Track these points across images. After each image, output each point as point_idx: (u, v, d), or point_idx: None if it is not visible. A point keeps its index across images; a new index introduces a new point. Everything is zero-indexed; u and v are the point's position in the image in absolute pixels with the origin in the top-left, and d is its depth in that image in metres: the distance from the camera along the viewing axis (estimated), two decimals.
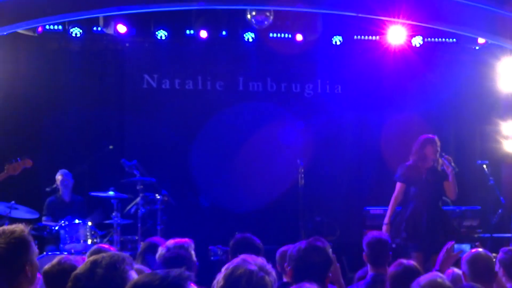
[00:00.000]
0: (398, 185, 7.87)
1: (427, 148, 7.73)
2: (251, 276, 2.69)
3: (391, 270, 4.48)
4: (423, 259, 7.39)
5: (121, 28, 9.82)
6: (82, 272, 2.74)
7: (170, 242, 4.60)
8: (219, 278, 2.74)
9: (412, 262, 4.56)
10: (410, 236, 7.65)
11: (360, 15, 9.23)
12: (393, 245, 7.53)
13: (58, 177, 9.14)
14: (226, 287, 2.69)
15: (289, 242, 5.45)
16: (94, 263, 2.74)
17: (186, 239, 4.68)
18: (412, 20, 8.49)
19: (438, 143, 7.78)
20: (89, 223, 8.43)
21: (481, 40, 10.42)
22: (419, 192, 7.73)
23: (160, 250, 4.56)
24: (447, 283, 3.53)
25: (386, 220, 7.85)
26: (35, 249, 3.30)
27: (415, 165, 7.78)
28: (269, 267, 2.79)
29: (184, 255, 4.24)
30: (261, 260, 2.81)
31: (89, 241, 8.28)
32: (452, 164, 7.69)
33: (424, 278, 3.54)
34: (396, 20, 8.47)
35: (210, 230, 9.74)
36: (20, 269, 3.20)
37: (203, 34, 10.19)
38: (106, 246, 5.23)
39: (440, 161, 7.73)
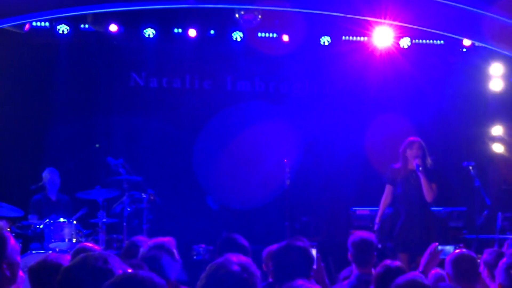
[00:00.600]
0: (386, 187, 7.99)
1: (408, 150, 7.85)
2: (232, 277, 2.66)
3: (376, 270, 4.49)
4: (409, 260, 7.45)
5: (113, 27, 9.79)
6: (71, 266, 2.71)
7: (151, 242, 4.57)
8: (202, 276, 2.72)
9: (398, 263, 4.57)
10: (395, 237, 7.72)
11: (348, 15, 9.26)
12: (379, 246, 7.57)
13: (46, 175, 9.07)
14: (207, 286, 2.67)
15: (276, 242, 5.44)
16: (85, 258, 2.71)
17: (168, 238, 4.66)
18: (399, 21, 8.51)
19: (420, 145, 7.85)
20: (74, 222, 8.38)
21: (467, 43, 10.47)
22: (404, 193, 7.86)
23: (142, 250, 4.54)
24: (426, 283, 3.53)
25: (376, 220, 7.97)
26: (14, 247, 3.16)
27: (401, 167, 7.89)
28: (253, 268, 2.76)
29: (164, 255, 4.21)
30: (246, 260, 2.78)
31: (74, 240, 8.21)
32: (420, 168, 7.75)
33: (402, 278, 3.54)
34: (382, 21, 8.48)
35: (196, 229, 9.72)
36: None
37: (192, 33, 10.16)
38: (90, 245, 5.19)
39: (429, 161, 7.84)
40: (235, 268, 2.70)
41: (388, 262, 4.50)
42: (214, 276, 2.67)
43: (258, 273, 2.77)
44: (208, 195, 8.43)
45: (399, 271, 4.28)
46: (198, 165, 10.47)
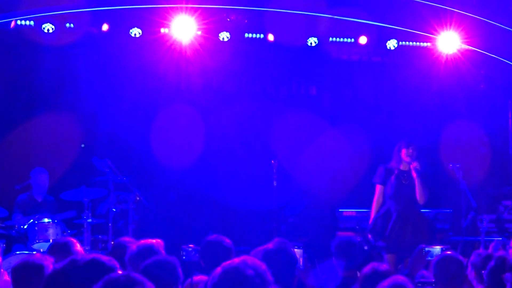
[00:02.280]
0: (376, 187, 7.97)
1: (404, 150, 7.85)
2: (245, 280, 2.61)
3: (362, 272, 4.47)
4: (397, 261, 7.45)
5: (104, 27, 9.75)
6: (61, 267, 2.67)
7: (140, 244, 4.54)
8: (215, 273, 2.66)
9: (384, 265, 4.55)
10: (386, 237, 7.69)
11: (335, 17, 9.30)
12: (366, 247, 7.57)
13: (34, 174, 8.96)
14: (218, 285, 2.62)
15: (262, 243, 5.42)
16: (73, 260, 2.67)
17: (156, 240, 4.62)
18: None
19: (416, 147, 7.87)
20: (58, 222, 8.30)
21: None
22: (394, 194, 7.85)
23: (130, 252, 4.50)
24: (409, 286, 3.52)
25: (370, 221, 7.96)
26: None
27: (392, 168, 7.88)
28: (267, 275, 2.70)
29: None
30: (260, 266, 2.71)
31: None
32: (418, 167, 7.76)
33: (387, 282, 3.52)
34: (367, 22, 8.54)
35: (182, 230, 9.68)
36: None
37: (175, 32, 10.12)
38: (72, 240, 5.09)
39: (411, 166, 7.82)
40: (249, 272, 2.65)
41: (375, 264, 4.48)
42: (226, 277, 2.62)
43: (271, 280, 2.71)
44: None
45: (385, 273, 4.26)
46: (183, 166, 10.42)
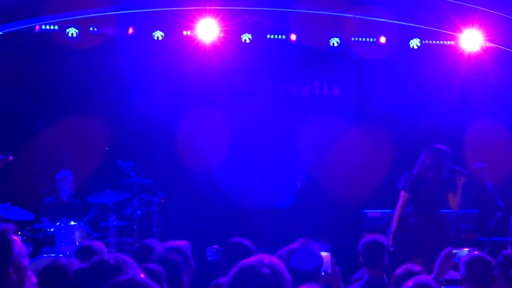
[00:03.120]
0: (404, 194, 7.77)
1: (442, 161, 7.65)
2: (261, 279, 2.60)
3: (395, 273, 4.45)
4: (423, 265, 7.37)
5: (130, 30, 9.82)
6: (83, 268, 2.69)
7: (167, 245, 4.56)
8: (231, 273, 2.66)
9: (417, 266, 4.53)
10: (410, 241, 7.60)
11: (357, 16, 9.25)
12: (391, 249, 7.50)
13: (62, 178, 9.04)
14: (233, 285, 2.61)
15: (287, 245, 5.41)
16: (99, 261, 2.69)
17: (183, 242, 4.64)
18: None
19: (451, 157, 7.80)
20: (84, 225, 8.37)
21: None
22: (425, 202, 7.70)
23: (156, 253, 4.52)
24: (433, 285, 3.49)
25: (393, 228, 7.76)
26: (21, 251, 3.11)
27: (423, 177, 7.72)
28: (284, 272, 2.67)
29: (180, 259, 4.18)
30: (277, 264, 2.69)
31: None
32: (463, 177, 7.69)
33: (412, 281, 3.50)
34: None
35: (207, 231, 9.69)
36: (2, 272, 3.01)
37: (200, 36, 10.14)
38: (97, 244, 5.15)
39: (458, 173, 7.70)
40: (265, 270, 2.62)
41: (408, 265, 4.47)
42: (242, 276, 2.61)
43: (289, 278, 2.69)
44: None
45: (418, 275, 4.23)
46: (208, 168, 10.44)
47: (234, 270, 2.64)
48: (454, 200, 7.75)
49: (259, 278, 2.59)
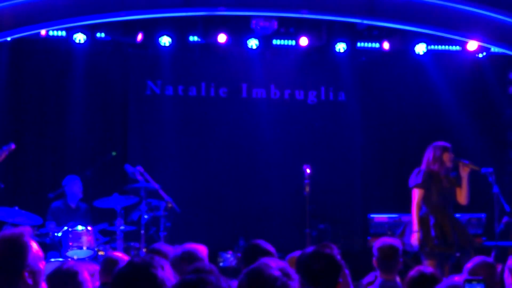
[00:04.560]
0: (418, 191, 7.66)
1: (445, 154, 7.69)
2: (272, 280, 2.62)
3: (409, 275, 4.42)
4: (436, 267, 7.34)
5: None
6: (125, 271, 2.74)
7: (185, 247, 4.58)
8: (241, 281, 2.68)
9: (429, 268, 4.52)
10: (440, 244, 7.54)
11: (364, 22, 9.27)
12: (415, 249, 7.45)
13: (69, 182, 9.06)
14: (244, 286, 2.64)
15: (294, 249, 5.42)
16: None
17: (200, 246, 4.66)
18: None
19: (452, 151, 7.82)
20: (89, 228, 8.37)
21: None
22: (439, 199, 7.67)
23: (174, 255, 4.55)
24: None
25: (414, 227, 7.58)
26: (37, 254, 3.08)
27: (432, 171, 7.73)
28: (292, 272, 2.72)
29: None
30: (284, 265, 2.75)
31: (92, 248, 8.23)
32: (472, 166, 7.70)
33: (442, 283, 3.50)
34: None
35: (214, 236, 9.70)
36: (18, 276, 2.99)
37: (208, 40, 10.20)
38: (120, 254, 5.17)
39: (461, 164, 7.72)
40: (275, 272, 2.65)
41: (421, 267, 4.45)
42: (253, 280, 2.63)
43: (296, 277, 2.74)
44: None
45: (432, 277, 4.23)
46: (215, 172, 10.47)
47: (242, 274, 2.67)
48: (461, 193, 7.72)
49: (271, 279, 2.62)
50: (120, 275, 2.76)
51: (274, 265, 2.73)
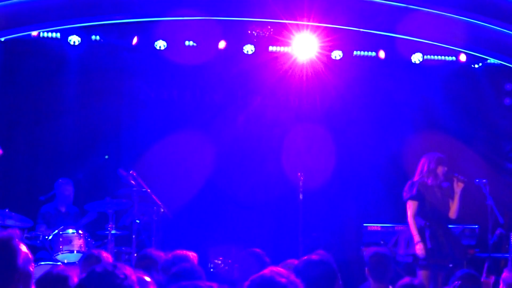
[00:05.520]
0: (412, 204, 7.71)
1: (439, 167, 7.71)
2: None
3: (398, 285, 4.41)
4: (429, 278, 7.33)
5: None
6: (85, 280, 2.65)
7: (176, 254, 4.54)
8: (247, 285, 2.66)
9: (418, 280, 4.50)
10: (435, 255, 7.52)
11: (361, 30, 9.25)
12: (421, 258, 7.45)
13: (60, 186, 9.00)
14: None
15: (286, 257, 5.39)
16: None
17: (191, 252, 4.63)
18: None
19: (447, 164, 7.82)
20: (80, 232, 8.31)
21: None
22: (432, 210, 7.68)
23: (164, 260, 4.51)
24: None
25: (416, 239, 7.57)
26: (26, 258, 3.04)
27: (426, 183, 7.72)
28: (298, 281, 2.71)
29: (192, 269, 4.15)
30: (288, 273, 2.74)
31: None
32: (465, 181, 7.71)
33: None
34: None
35: (206, 242, 9.65)
36: (8, 279, 2.94)
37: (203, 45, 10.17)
38: (104, 254, 5.11)
39: (456, 179, 7.72)
40: (282, 280, 2.64)
41: (410, 278, 4.43)
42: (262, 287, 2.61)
43: (302, 286, 2.73)
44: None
45: None
46: (209, 178, 10.41)
47: (249, 283, 2.65)
48: (452, 207, 7.76)
49: (278, 286, 2.60)
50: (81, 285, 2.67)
51: (280, 272, 2.73)
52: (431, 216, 7.69)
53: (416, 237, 7.55)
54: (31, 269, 3.06)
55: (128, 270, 2.65)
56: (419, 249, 7.45)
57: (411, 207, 7.70)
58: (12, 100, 9.98)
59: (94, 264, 4.40)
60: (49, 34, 9.91)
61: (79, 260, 5.02)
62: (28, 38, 9.63)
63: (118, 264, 2.66)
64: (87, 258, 4.96)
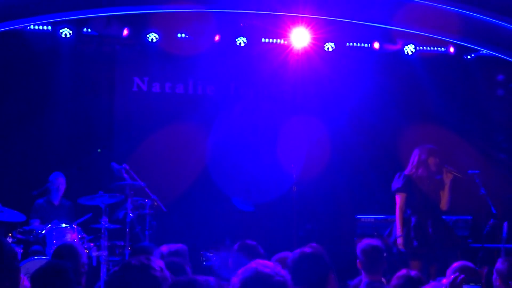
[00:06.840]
0: (400, 195, 7.77)
1: (430, 158, 7.73)
2: (268, 279, 2.62)
3: (395, 277, 4.41)
4: (420, 268, 7.36)
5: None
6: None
7: (168, 248, 4.52)
8: (234, 281, 2.67)
9: (414, 271, 4.50)
10: (420, 245, 7.56)
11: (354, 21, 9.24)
12: (402, 251, 7.48)
13: (52, 179, 8.98)
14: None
15: (282, 249, 5.38)
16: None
17: (180, 245, 4.60)
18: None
19: (439, 155, 7.82)
20: (75, 226, 8.29)
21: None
22: (422, 201, 7.70)
23: (160, 254, 4.50)
24: None
25: (399, 232, 7.66)
26: (11, 254, 3.02)
27: (416, 175, 7.73)
28: (284, 272, 2.76)
29: (180, 262, 4.15)
30: (274, 265, 2.78)
31: None
32: (455, 173, 7.72)
33: None
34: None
35: (199, 235, 9.64)
36: None
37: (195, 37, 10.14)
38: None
39: (445, 169, 7.73)
40: (269, 271, 2.69)
41: (406, 270, 4.43)
42: (249, 278, 2.62)
43: (288, 277, 2.77)
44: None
45: (418, 280, 4.21)
46: (202, 171, 10.39)
47: (238, 277, 2.66)
48: (442, 198, 7.78)
49: (267, 278, 2.65)
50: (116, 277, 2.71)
51: (267, 265, 2.76)
52: (418, 207, 7.72)
53: (399, 230, 7.62)
54: (17, 265, 3.05)
55: (160, 262, 2.73)
56: (400, 242, 7.51)
57: (398, 200, 7.77)
58: (3, 93, 9.92)
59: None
60: (40, 27, 9.85)
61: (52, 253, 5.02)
62: (19, 31, 9.56)
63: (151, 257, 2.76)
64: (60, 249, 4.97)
